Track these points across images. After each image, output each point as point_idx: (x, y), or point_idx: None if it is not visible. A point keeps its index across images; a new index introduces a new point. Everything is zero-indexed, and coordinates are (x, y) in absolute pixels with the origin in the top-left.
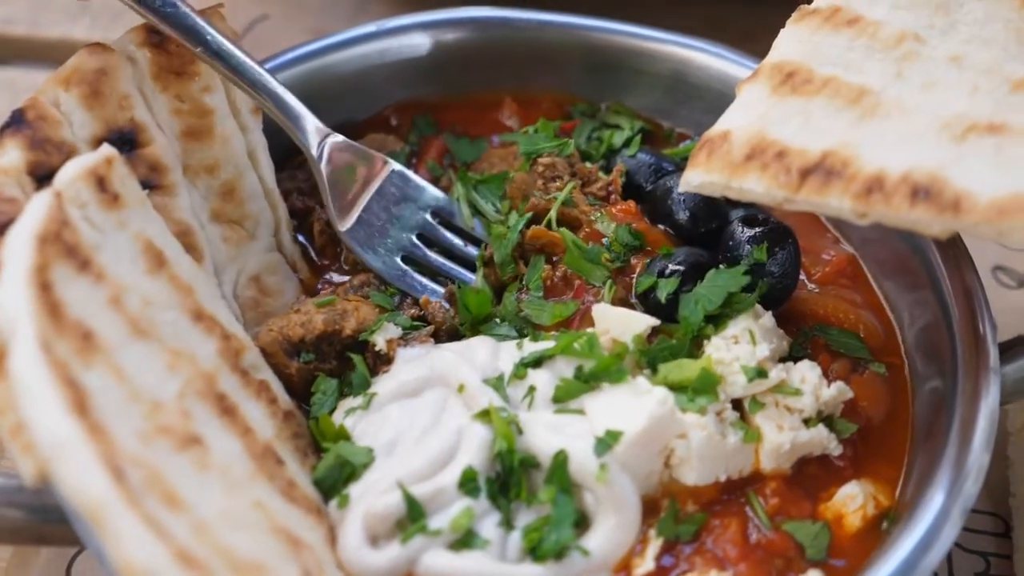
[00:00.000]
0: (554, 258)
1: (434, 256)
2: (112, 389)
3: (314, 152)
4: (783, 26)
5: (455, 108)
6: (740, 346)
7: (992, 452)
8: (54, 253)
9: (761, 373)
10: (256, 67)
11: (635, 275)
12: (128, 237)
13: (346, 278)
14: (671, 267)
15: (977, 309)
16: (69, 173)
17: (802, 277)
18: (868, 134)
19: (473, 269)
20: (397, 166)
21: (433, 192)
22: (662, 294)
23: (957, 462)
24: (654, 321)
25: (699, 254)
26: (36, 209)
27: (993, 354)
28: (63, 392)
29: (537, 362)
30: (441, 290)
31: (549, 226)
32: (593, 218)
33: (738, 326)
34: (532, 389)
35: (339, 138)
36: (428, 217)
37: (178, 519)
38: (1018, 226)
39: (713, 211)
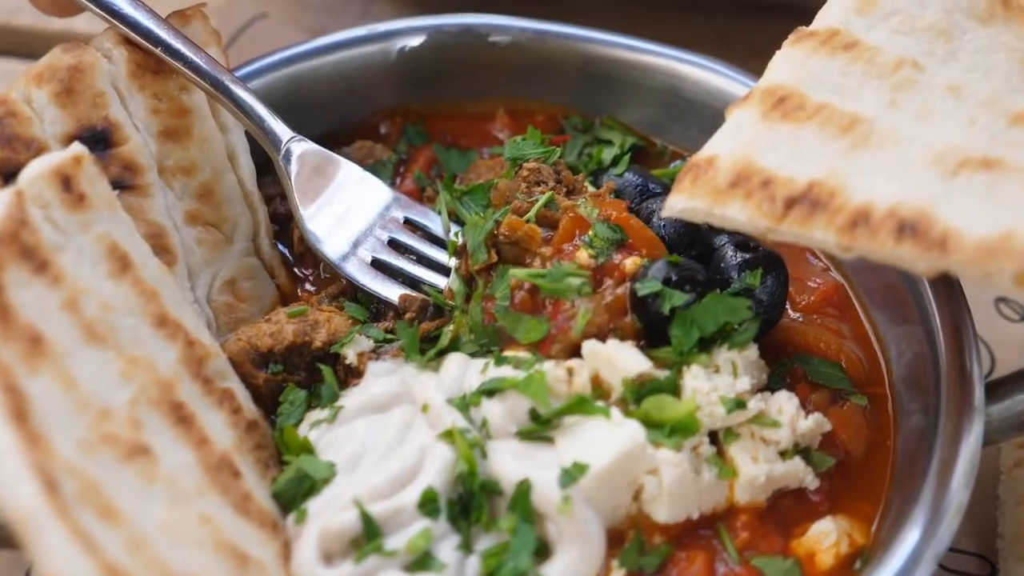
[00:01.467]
0: (527, 260)
1: (405, 262)
2: (57, 396)
3: (279, 155)
4: None
5: (446, 118)
6: (721, 376)
7: (980, 491)
8: (9, 254)
9: (740, 404)
10: (219, 70)
11: (616, 278)
12: (92, 239)
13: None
14: (676, 277)
15: (966, 346)
16: (33, 172)
17: (787, 305)
18: (858, 164)
19: (447, 275)
20: (366, 173)
21: (406, 199)
22: (666, 305)
23: (934, 503)
24: (646, 364)
25: (703, 271)
26: None
27: (979, 393)
28: (2, 398)
29: (491, 392)
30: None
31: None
32: (578, 203)
33: (721, 356)
34: (485, 422)
35: (307, 143)
36: (400, 224)
37: (112, 533)
38: (1005, 268)
39: (694, 237)
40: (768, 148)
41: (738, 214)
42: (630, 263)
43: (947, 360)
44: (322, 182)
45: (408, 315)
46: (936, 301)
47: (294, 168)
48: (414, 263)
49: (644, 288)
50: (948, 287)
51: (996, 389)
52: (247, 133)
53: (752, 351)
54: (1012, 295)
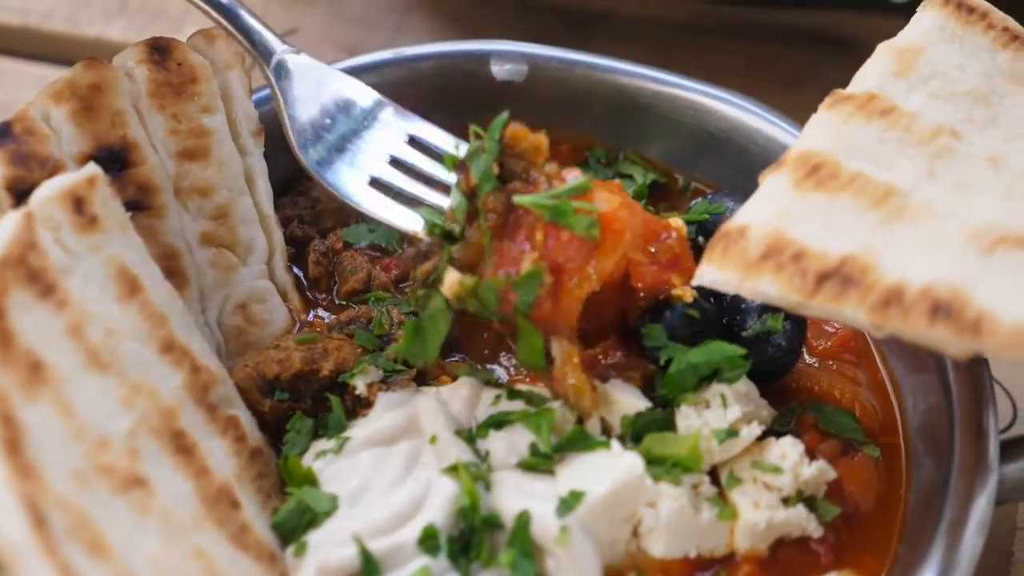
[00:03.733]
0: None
1: (406, 180)
2: (54, 425)
3: (270, 67)
4: (829, 74)
5: None
6: (711, 411)
7: (996, 547)
8: (15, 278)
9: (732, 434)
10: None
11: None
12: (101, 262)
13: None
14: (684, 333)
15: (982, 402)
16: (44, 193)
17: (803, 348)
18: (891, 239)
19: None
20: (370, 90)
21: (411, 115)
22: (664, 358)
23: (943, 563)
24: (645, 405)
25: (716, 321)
26: (2, 230)
27: (993, 451)
28: None
29: (499, 424)
30: (413, 215)
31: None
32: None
33: (711, 390)
34: (487, 454)
35: (303, 56)
36: (403, 142)
37: (100, 568)
38: None
39: None
40: (801, 219)
41: (769, 288)
42: (679, 292)
43: (961, 415)
44: (317, 97)
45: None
46: None
47: (287, 82)
48: (417, 182)
49: (649, 341)
50: None
51: (1012, 447)
52: (267, 158)
53: (743, 384)
54: None
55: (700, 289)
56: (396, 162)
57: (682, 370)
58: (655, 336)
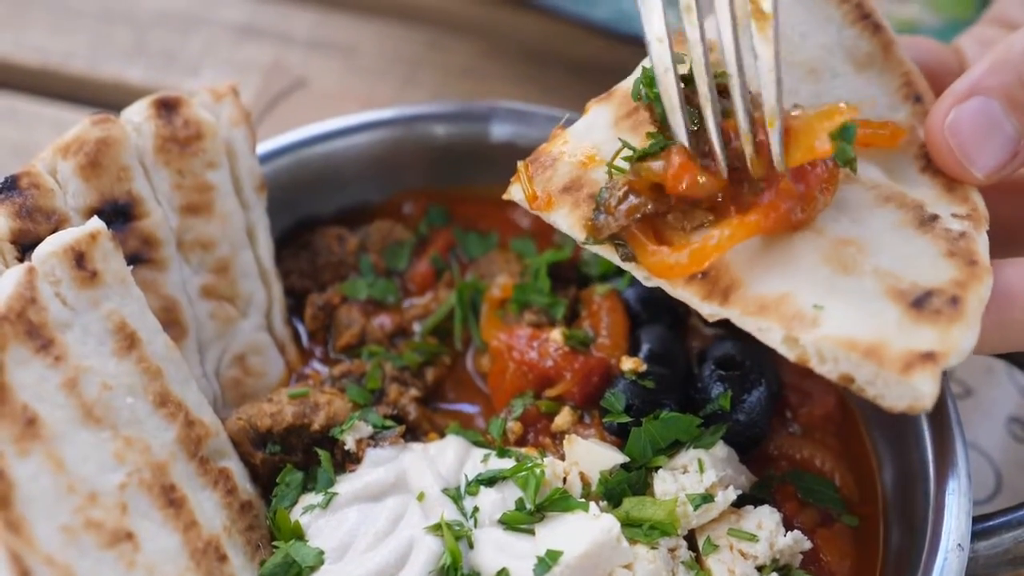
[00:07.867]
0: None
1: None
2: (45, 480)
3: None
4: None
5: (469, 201)
6: (688, 476)
7: None
8: (13, 333)
9: (707, 498)
10: None
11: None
12: (100, 316)
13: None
14: (640, 404)
15: (955, 480)
16: (47, 248)
17: (787, 416)
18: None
19: None
20: None
21: None
22: (619, 420)
23: None
24: (622, 458)
25: (671, 392)
26: (4, 285)
27: (964, 530)
28: None
29: (491, 480)
30: None
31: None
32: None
33: (687, 456)
34: (476, 510)
35: None
36: None
37: None
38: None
39: (672, 353)
40: (608, 156)
41: (561, 221)
42: (631, 364)
43: (936, 490)
44: None
45: None
46: (931, 429)
47: None
48: None
49: (607, 417)
50: (943, 415)
51: (984, 524)
52: (269, 211)
53: (720, 448)
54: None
55: (653, 357)
56: None
57: (642, 441)
58: (612, 414)
